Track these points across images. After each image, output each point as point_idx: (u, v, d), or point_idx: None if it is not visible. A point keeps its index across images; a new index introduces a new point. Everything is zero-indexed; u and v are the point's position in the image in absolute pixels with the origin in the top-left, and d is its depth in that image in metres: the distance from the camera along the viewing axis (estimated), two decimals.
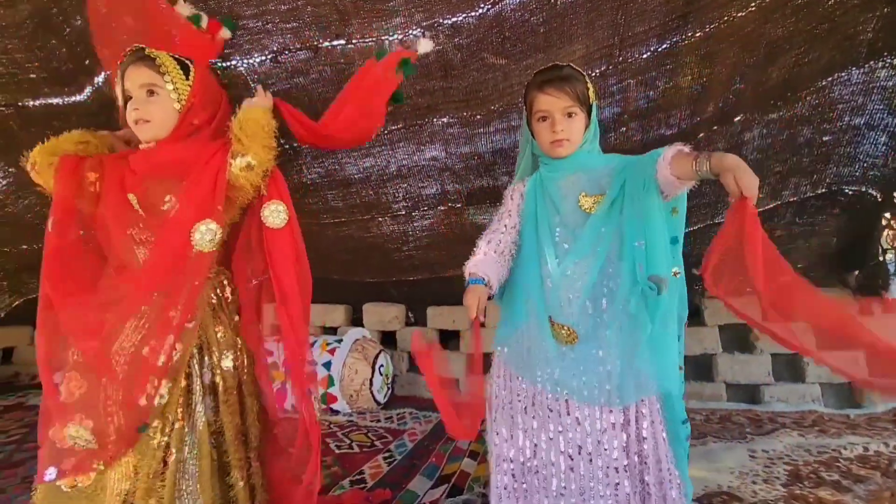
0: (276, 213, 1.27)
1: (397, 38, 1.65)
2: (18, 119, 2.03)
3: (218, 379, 1.22)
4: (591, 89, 1.25)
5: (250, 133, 1.18)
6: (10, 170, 2.33)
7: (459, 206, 2.29)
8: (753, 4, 1.52)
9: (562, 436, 1.18)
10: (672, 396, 1.19)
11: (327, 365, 2.77)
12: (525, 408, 1.23)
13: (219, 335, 1.24)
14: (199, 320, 1.19)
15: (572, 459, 1.17)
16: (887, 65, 1.74)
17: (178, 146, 1.23)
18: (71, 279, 1.15)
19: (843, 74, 1.78)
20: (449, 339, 3.25)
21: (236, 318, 1.31)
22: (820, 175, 2.11)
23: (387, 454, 2.12)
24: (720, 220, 2.33)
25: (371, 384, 2.77)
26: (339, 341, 2.89)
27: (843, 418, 2.32)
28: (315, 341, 2.92)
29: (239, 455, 1.22)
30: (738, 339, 2.81)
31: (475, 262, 1.24)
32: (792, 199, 2.23)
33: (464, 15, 1.58)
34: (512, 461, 1.24)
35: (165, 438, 1.13)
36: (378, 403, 2.81)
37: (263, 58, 1.70)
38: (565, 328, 1.19)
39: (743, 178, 0.96)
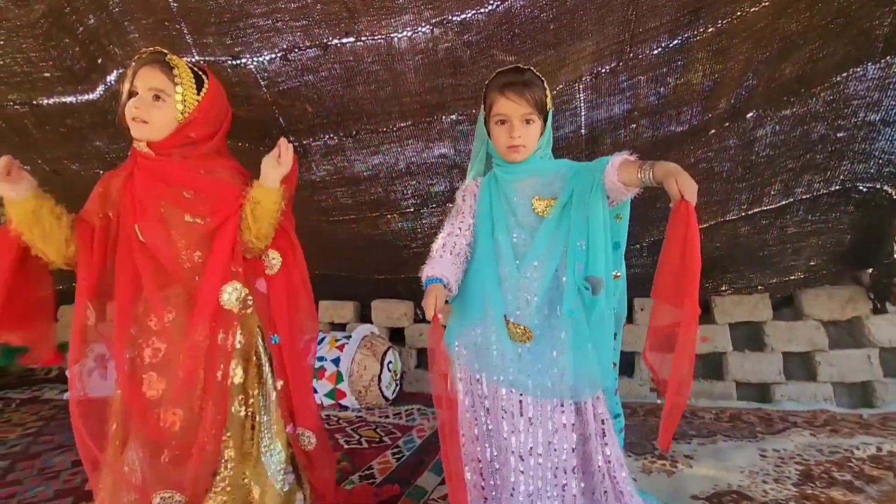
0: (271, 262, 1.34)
1: (407, 36, 1.65)
2: (33, 117, 2.05)
3: (266, 370, 1.31)
4: (549, 97, 1.27)
5: (259, 216, 1.22)
6: (26, 167, 2.36)
7: None
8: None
9: (514, 436, 1.22)
10: (608, 391, 1.26)
11: (336, 361, 2.79)
12: (488, 408, 1.27)
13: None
14: (255, 309, 1.29)
15: (523, 460, 1.21)
16: None
17: (186, 171, 1.25)
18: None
19: (858, 70, 1.75)
20: None
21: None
22: (834, 172, 2.08)
23: (395, 450, 2.14)
24: (730, 217, 2.31)
25: (380, 380, 2.78)
26: (348, 338, 2.90)
27: (856, 418, 2.30)
28: (324, 338, 2.94)
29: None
30: (749, 336, 2.78)
31: (432, 264, 1.25)
32: (805, 196, 2.20)
33: (473, 11, 1.58)
34: (479, 461, 1.27)
35: (250, 409, 1.26)
36: (386, 399, 2.83)
37: (273, 56, 1.71)
38: (520, 328, 1.22)
39: (684, 183, 0.98)
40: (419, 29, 1.63)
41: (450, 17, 1.59)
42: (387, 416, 2.63)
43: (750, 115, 1.89)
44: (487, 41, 1.65)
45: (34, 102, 1.99)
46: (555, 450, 1.21)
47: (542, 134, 1.27)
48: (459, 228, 1.33)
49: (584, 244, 1.18)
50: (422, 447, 2.17)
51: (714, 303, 2.78)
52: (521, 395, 1.22)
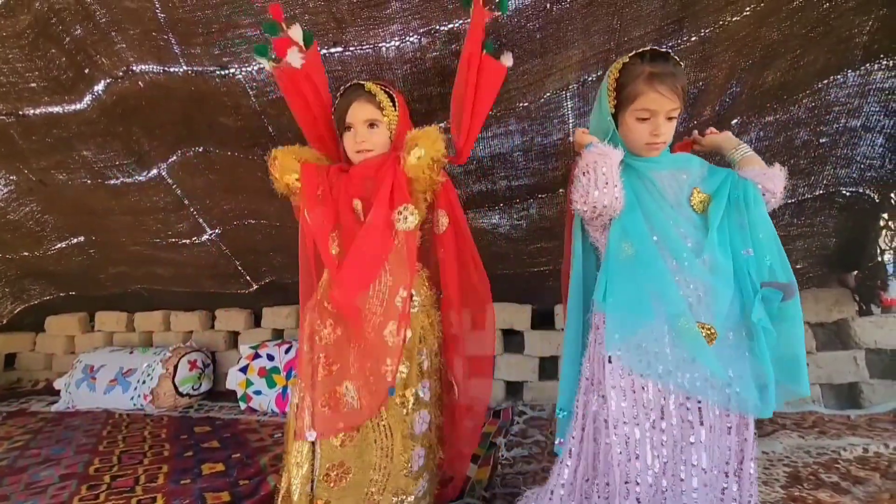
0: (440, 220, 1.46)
1: (395, 45, 1.66)
2: (19, 127, 2.04)
3: (430, 363, 1.40)
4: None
5: (419, 136, 1.32)
6: (12, 177, 2.35)
7: None
8: (748, 9, 1.53)
9: (693, 448, 1.10)
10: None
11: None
12: (653, 422, 1.12)
13: (430, 324, 1.41)
14: (421, 308, 1.38)
15: (705, 473, 1.09)
16: (883, 67, 1.74)
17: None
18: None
19: (838, 77, 1.78)
20: None
21: (435, 313, 1.46)
22: (817, 177, 2.12)
23: None
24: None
25: None
26: None
27: (844, 419, 2.32)
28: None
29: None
30: None
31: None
32: (790, 201, 2.23)
33: (461, 21, 1.59)
34: (638, 483, 1.11)
35: (409, 405, 1.33)
36: None
37: (261, 66, 1.71)
38: (705, 326, 1.10)
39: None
40: (407, 38, 1.64)
41: (437, 27, 1.61)
42: None
43: (734, 121, 1.91)
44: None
45: (20, 113, 1.97)
46: (720, 453, 1.11)
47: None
48: None
49: (751, 251, 1.13)
50: None
51: None
52: (699, 402, 1.10)
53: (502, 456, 2.02)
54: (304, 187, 1.36)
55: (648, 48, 1.18)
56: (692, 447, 1.10)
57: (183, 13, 1.57)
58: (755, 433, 1.16)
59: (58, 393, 3.17)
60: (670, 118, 1.15)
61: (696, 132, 1.40)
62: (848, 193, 2.16)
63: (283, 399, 2.79)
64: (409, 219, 1.30)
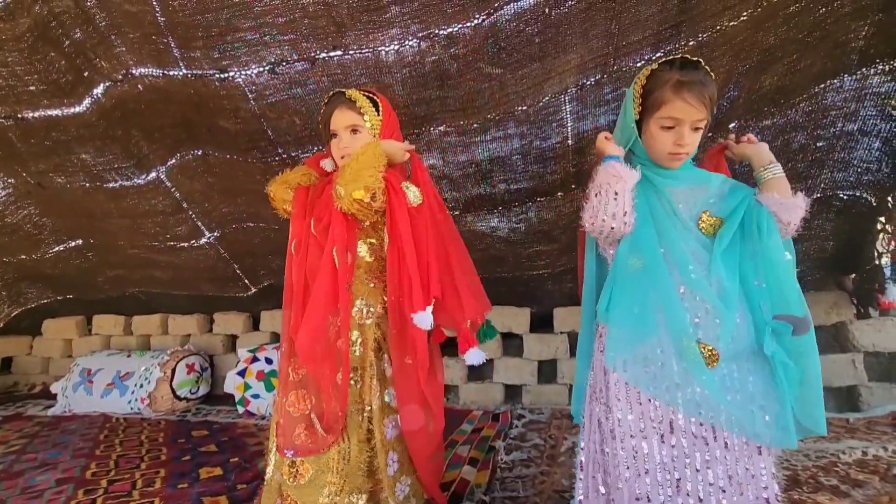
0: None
1: (394, 49, 1.67)
2: (18, 130, 2.04)
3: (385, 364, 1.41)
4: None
5: (343, 171, 1.30)
6: (10, 180, 2.35)
7: (457, 213, 2.30)
8: (745, 14, 1.54)
9: (710, 466, 1.05)
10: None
11: None
12: (662, 436, 1.07)
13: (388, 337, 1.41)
14: (376, 319, 1.39)
15: (724, 493, 1.04)
16: (879, 71, 1.75)
17: None
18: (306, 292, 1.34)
19: (835, 81, 1.79)
20: (447, 345, 3.24)
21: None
22: (815, 180, 2.12)
23: None
24: None
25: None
26: None
27: (842, 422, 2.32)
28: None
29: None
30: None
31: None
32: None
33: (459, 26, 1.60)
34: (650, 500, 1.07)
35: (367, 415, 1.36)
36: None
37: (261, 69, 1.72)
38: (706, 347, 1.07)
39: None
40: (406, 42, 1.64)
41: (436, 31, 1.61)
42: None
43: (732, 125, 1.92)
44: (474, 54, 1.67)
45: (19, 115, 1.97)
46: (752, 476, 1.06)
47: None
48: None
49: (763, 283, 1.09)
50: None
51: None
52: (712, 417, 1.06)
53: (501, 459, 2.02)
54: (294, 217, 1.40)
55: (679, 56, 1.13)
56: (708, 465, 1.05)
57: (183, 17, 1.58)
58: (772, 468, 1.11)
59: (54, 397, 3.16)
60: (696, 128, 1.10)
61: (731, 136, 1.31)
62: (845, 197, 2.17)
63: None
64: (339, 258, 1.31)
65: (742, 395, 1.07)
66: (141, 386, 2.99)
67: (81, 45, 1.73)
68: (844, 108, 1.86)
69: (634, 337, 1.12)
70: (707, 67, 1.11)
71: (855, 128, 1.91)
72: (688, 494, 1.05)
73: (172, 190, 2.36)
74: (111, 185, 2.31)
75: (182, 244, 2.70)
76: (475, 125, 1.92)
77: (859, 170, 2.04)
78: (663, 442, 1.07)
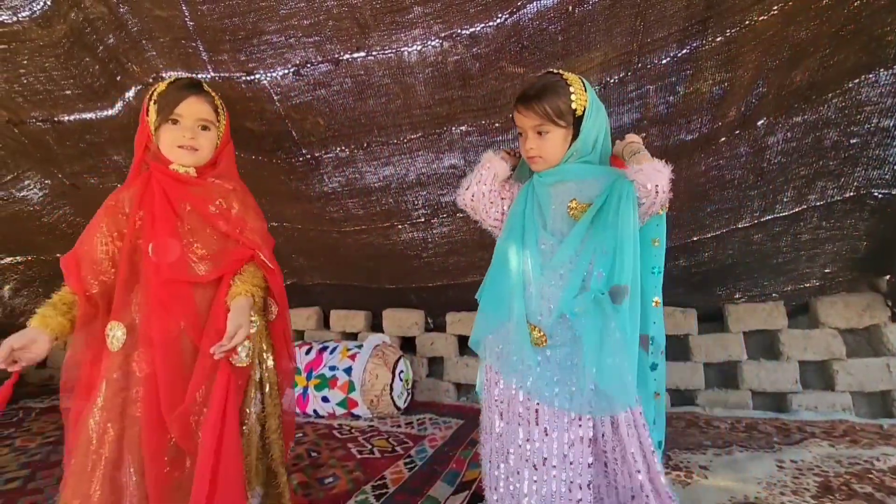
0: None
1: (417, 49, 1.67)
2: (54, 133, 2.11)
3: (266, 376, 1.37)
4: (578, 100, 1.22)
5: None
6: (46, 181, 2.43)
7: None
8: (776, 8, 1.50)
9: (529, 444, 1.19)
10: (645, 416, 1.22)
11: (348, 370, 2.80)
12: (501, 413, 1.25)
13: (264, 338, 1.38)
14: (260, 326, 1.35)
15: (536, 470, 1.18)
16: None
17: (223, 188, 1.36)
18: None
19: (870, 76, 1.73)
20: (467, 344, 3.25)
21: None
22: (847, 178, 2.06)
23: (408, 460, 2.14)
24: (743, 224, 2.29)
25: (391, 389, 2.79)
26: (360, 347, 2.92)
27: (876, 428, 2.25)
28: (336, 347, 2.96)
29: (279, 441, 1.39)
30: (764, 345, 2.75)
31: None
32: (818, 203, 2.18)
33: (482, 25, 1.60)
34: (490, 464, 1.27)
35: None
36: (398, 409, 2.83)
37: (286, 71, 1.74)
38: (538, 330, 1.22)
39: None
40: (429, 43, 1.65)
41: (459, 31, 1.61)
42: (399, 426, 2.64)
43: (760, 122, 1.88)
44: (496, 54, 1.67)
45: (55, 119, 2.04)
46: (570, 463, 1.18)
47: (573, 139, 1.25)
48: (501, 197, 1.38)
49: (608, 252, 1.17)
50: (434, 457, 2.17)
51: (728, 311, 2.75)
52: (538, 403, 1.19)
53: None
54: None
55: (538, 74, 1.31)
56: (528, 444, 1.19)
57: (211, 21, 1.61)
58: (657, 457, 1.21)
59: None
60: (542, 133, 1.24)
61: (618, 141, 1.40)
62: (880, 195, 2.10)
63: (303, 399, 2.82)
64: (248, 353, 1.29)
65: (567, 375, 1.19)
66: None
67: (114, 49, 1.78)
68: (880, 104, 1.80)
69: (492, 320, 1.32)
70: (561, 75, 1.25)
71: (891, 123, 1.85)
72: (525, 461, 1.19)
73: None
74: None
75: None
76: (497, 125, 1.92)
77: (895, 167, 1.98)
78: (501, 418, 1.24)
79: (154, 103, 1.28)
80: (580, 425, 1.19)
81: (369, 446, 2.32)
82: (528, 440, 1.19)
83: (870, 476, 1.76)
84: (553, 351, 1.21)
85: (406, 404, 2.91)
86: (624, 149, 1.31)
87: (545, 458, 1.18)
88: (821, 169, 2.05)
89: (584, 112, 1.23)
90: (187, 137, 1.26)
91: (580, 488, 1.17)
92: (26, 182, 2.40)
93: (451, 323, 3.21)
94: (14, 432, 2.62)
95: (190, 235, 1.27)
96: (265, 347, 1.38)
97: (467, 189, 1.33)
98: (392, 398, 2.79)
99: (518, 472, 1.19)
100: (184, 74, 1.34)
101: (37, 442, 2.47)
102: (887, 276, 2.47)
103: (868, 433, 2.18)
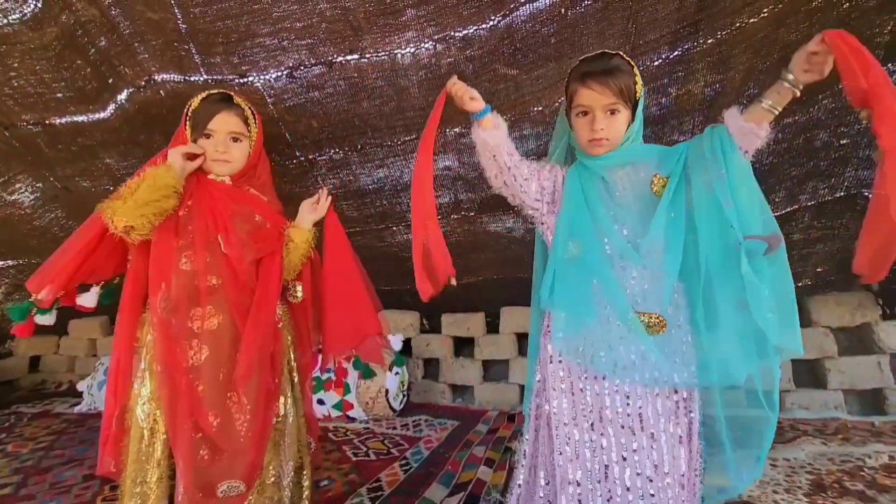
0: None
1: (410, 52, 1.67)
2: (45, 136, 2.10)
3: (295, 374, 1.47)
4: (639, 82, 1.17)
5: (291, 251, 1.41)
6: (38, 185, 2.41)
7: (472, 214, 2.31)
8: (766, 10, 1.51)
9: (636, 455, 1.10)
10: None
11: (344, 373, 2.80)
12: (592, 423, 1.13)
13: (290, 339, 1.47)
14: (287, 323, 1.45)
15: (651, 482, 1.09)
16: None
17: (259, 199, 1.43)
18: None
19: None
20: (463, 345, 3.26)
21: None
22: (838, 178, 2.08)
23: (403, 462, 2.14)
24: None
25: (387, 392, 2.79)
26: None
27: (868, 426, 2.27)
28: None
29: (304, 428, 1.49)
30: None
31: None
32: (809, 203, 2.19)
33: (475, 27, 1.60)
34: (579, 484, 1.12)
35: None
36: (394, 411, 2.83)
37: (279, 73, 1.74)
38: (648, 315, 1.12)
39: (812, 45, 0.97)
40: (422, 45, 1.65)
41: (452, 33, 1.62)
42: (394, 428, 2.64)
43: None
44: (489, 56, 1.68)
45: (47, 122, 2.03)
46: (674, 463, 1.10)
47: (631, 123, 1.17)
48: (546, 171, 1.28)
49: (732, 204, 1.04)
50: (429, 459, 2.17)
51: None
52: (640, 407, 1.10)
53: (517, 460, 2.01)
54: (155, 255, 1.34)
55: (596, 52, 1.20)
56: (635, 454, 1.10)
57: (203, 23, 1.61)
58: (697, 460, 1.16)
59: (80, 394, 3.24)
60: (612, 112, 1.15)
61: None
62: (870, 195, 2.11)
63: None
64: (281, 314, 1.42)
65: (680, 355, 1.11)
66: None
67: (106, 52, 1.77)
68: None
69: (576, 323, 1.17)
70: (623, 56, 1.16)
71: None
72: (615, 481, 1.09)
73: None
74: None
75: None
76: None
77: None
78: (592, 429, 1.12)
79: (189, 120, 1.35)
80: (678, 424, 1.11)
81: (364, 448, 2.32)
82: (635, 451, 1.10)
83: (861, 473, 1.78)
84: (667, 335, 1.11)
85: (402, 406, 2.91)
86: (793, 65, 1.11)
87: (656, 466, 1.10)
88: (812, 169, 2.07)
89: (641, 95, 1.18)
90: (220, 151, 1.33)
91: (682, 488, 1.10)
92: (17, 185, 2.39)
93: (447, 324, 3.21)
94: (5, 437, 2.60)
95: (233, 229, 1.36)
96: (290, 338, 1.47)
97: (494, 178, 1.26)
98: (388, 400, 2.79)
99: (630, 489, 1.10)
100: (216, 90, 1.42)
101: (28, 447, 2.45)
102: None
103: (860, 431, 2.21)
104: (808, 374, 2.66)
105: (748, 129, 1.05)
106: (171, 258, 1.27)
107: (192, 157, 1.30)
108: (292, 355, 1.46)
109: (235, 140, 1.36)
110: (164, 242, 1.27)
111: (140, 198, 1.19)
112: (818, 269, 2.54)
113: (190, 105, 1.35)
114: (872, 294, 2.55)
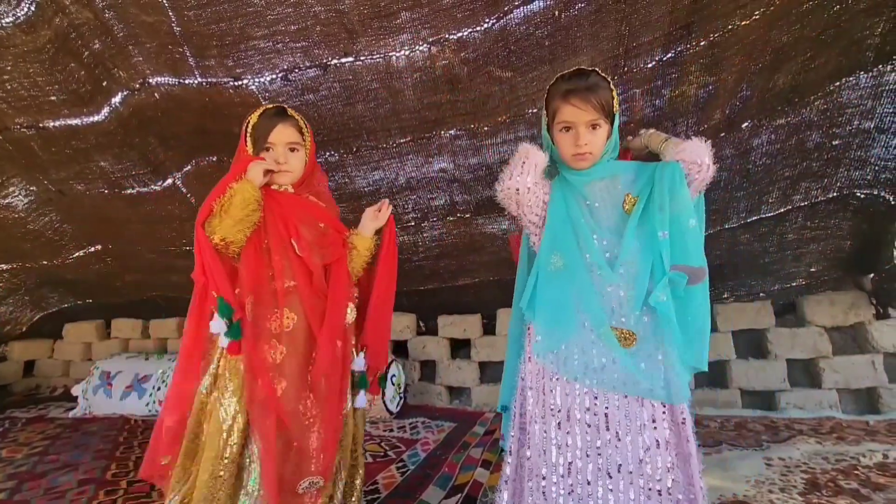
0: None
1: (404, 54, 1.68)
2: (39, 140, 2.09)
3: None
4: (616, 98, 1.22)
5: (353, 258, 1.48)
6: (32, 188, 2.40)
7: (468, 216, 2.31)
8: (758, 13, 1.53)
9: (600, 453, 1.14)
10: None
11: None
12: (559, 423, 1.18)
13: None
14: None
15: (611, 478, 1.13)
16: None
17: (319, 207, 1.47)
18: None
19: (850, 79, 1.77)
20: (459, 347, 3.26)
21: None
22: (831, 179, 2.10)
23: (400, 464, 2.13)
24: (730, 225, 2.32)
25: (383, 394, 2.78)
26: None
27: (862, 425, 2.28)
28: None
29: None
30: (752, 344, 2.78)
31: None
32: (803, 204, 2.21)
33: (469, 30, 1.61)
34: (544, 478, 1.18)
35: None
36: (390, 413, 2.83)
37: (274, 76, 1.75)
38: (625, 332, 1.17)
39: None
40: (417, 48, 1.66)
41: (447, 36, 1.63)
42: (391, 430, 2.63)
43: (745, 124, 1.91)
44: (484, 58, 1.68)
45: (40, 125, 2.02)
46: (648, 466, 1.13)
47: (609, 137, 1.23)
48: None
49: (667, 234, 1.13)
50: (426, 461, 2.16)
51: (716, 311, 2.78)
52: (606, 408, 1.16)
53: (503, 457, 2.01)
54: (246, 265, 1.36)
55: (573, 69, 1.25)
56: (599, 452, 1.15)
57: (198, 26, 1.61)
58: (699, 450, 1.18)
59: (75, 399, 3.22)
60: (594, 127, 1.20)
61: (628, 138, 1.40)
62: (863, 196, 2.13)
63: None
64: (352, 315, 1.44)
65: (653, 367, 1.16)
66: (158, 388, 3.04)
67: (100, 55, 1.77)
68: (860, 106, 1.83)
69: (558, 334, 1.22)
70: (600, 73, 1.22)
71: (871, 125, 1.88)
72: (577, 475, 1.16)
73: (188, 196, 2.40)
74: (129, 191, 2.36)
75: None
76: (486, 128, 1.93)
77: (876, 168, 2.01)
78: (559, 428, 1.18)
79: (249, 135, 1.39)
80: (655, 428, 1.14)
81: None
82: (598, 447, 1.15)
83: (856, 472, 1.79)
84: (638, 347, 1.16)
85: (398, 408, 2.90)
86: (650, 139, 1.30)
87: (619, 465, 1.13)
88: (804, 170, 2.09)
89: (617, 110, 1.24)
90: (281, 162, 1.37)
91: (659, 494, 1.13)
92: (11, 189, 2.38)
93: (443, 326, 3.21)
94: (0, 442, 2.58)
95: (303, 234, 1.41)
96: None
97: (510, 179, 1.21)
98: (384, 402, 2.78)
99: (590, 483, 1.15)
100: (270, 104, 1.45)
101: (23, 452, 2.43)
102: (871, 275, 2.51)
103: (854, 430, 2.22)
104: (803, 373, 2.67)
105: (684, 145, 1.18)
106: (258, 264, 1.33)
107: (266, 171, 1.36)
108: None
109: (293, 150, 1.40)
110: (251, 250, 1.33)
111: (234, 215, 1.27)
112: (812, 269, 2.56)
113: (248, 121, 1.40)
114: (866, 294, 2.56)
